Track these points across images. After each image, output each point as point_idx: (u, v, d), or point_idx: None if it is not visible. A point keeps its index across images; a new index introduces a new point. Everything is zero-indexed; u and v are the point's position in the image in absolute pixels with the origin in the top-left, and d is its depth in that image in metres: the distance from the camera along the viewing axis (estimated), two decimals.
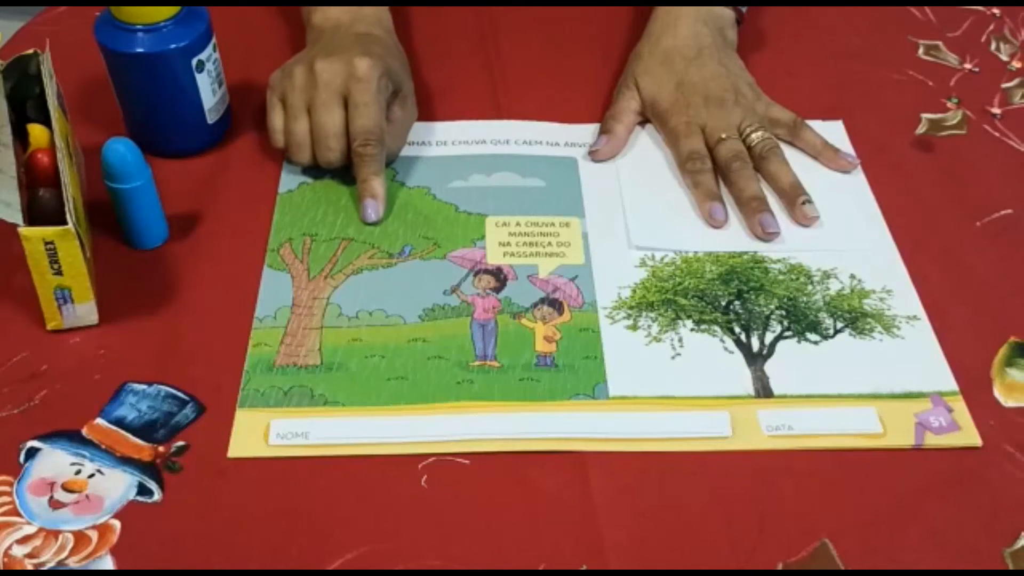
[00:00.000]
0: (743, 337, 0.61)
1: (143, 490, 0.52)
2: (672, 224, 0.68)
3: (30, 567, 0.48)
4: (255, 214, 0.67)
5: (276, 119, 0.67)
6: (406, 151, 0.72)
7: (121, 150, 0.60)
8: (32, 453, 0.53)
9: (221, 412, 0.55)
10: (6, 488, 0.51)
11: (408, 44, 0.81)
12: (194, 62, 0.66)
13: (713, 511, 0.52)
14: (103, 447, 0.53)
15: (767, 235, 0.66)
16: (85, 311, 0.58)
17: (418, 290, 0.62)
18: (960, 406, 0.57)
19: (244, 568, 0.49)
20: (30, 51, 0.64)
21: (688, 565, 0.50)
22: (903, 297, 0.63)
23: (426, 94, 0.77)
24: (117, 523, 0.50)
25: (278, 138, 0.68)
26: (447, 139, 0.73)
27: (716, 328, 0.61)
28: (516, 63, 0.81)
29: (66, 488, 0.51)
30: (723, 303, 0.63)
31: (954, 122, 0.77)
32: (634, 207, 0.69)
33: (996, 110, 0.79)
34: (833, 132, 0.75)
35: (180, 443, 0.54)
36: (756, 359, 0.59)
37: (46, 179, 0.59)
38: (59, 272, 0.55)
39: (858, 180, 0.72)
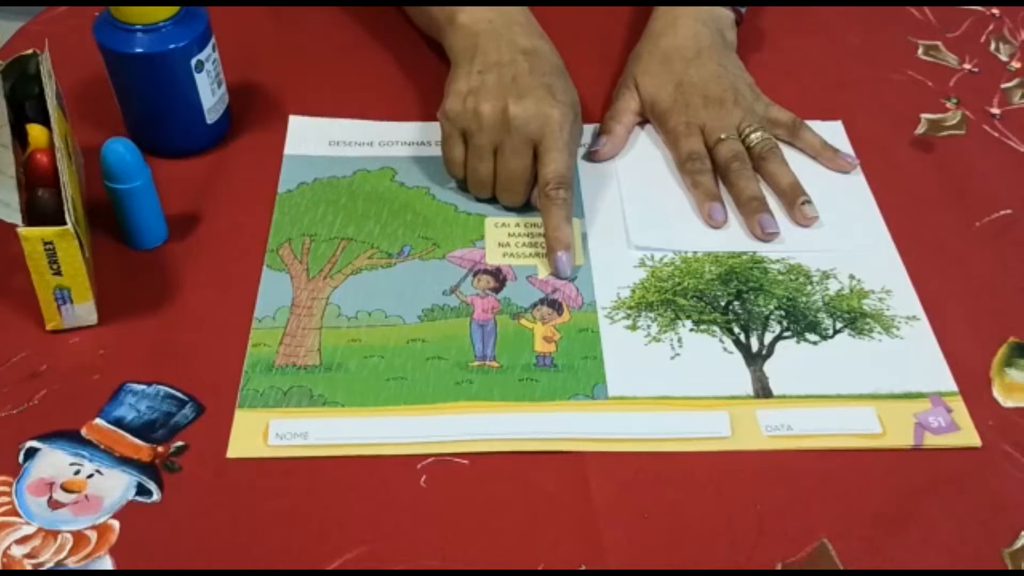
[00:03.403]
0: (742, 337, 0.61)
1: (142, 490, 0.52)
2: (671, 224, 0.68)
3: (29, 567, 0.48)
4: (254, 214, 0.67)
5: (457, 152, 0.67)
6: (405, 151, 0.72)
7: (120, 150, 0.60)
8: (31, 453, 0.53)
9: (220, 412, 0.55)
10: (5, 488, 0.51)
11: (409, 44, 0.81)
12: (193, 62, 0.66)
13: (712, 511, 0.52)
14: (102, 447, 0.53)
15: (766, 235, 0.66)
16: (84, 311, 0.58)
17: (417, 290, 0.62)
18: (959, 406, 0.57)
19: (243, 568, 0.49)
20: (29, 51, 0.64)
21: (687, 565, 0.50)
22: (902, 297, 0.63)
23: (425, 94, 0.77)
24: (116, 523, 0.50)
25: (456, 171, 0.68)
26: None
27: (715, 328, 0.61)
28: None
29: (65, 488, 0.51)
30: (722, 303, 0.63)
31: (953, 122, 0.77)
32: (633, 207, 0.69)
33: (995, 110, 0.79)
34: (832, 132, 0.75)
35: (179, 443, 0.54)
36: (755, 359, 0.59)
37: (45, 179, 0.59)
38: (58, 272, 0.55)
39: (857, 180, 0.72)
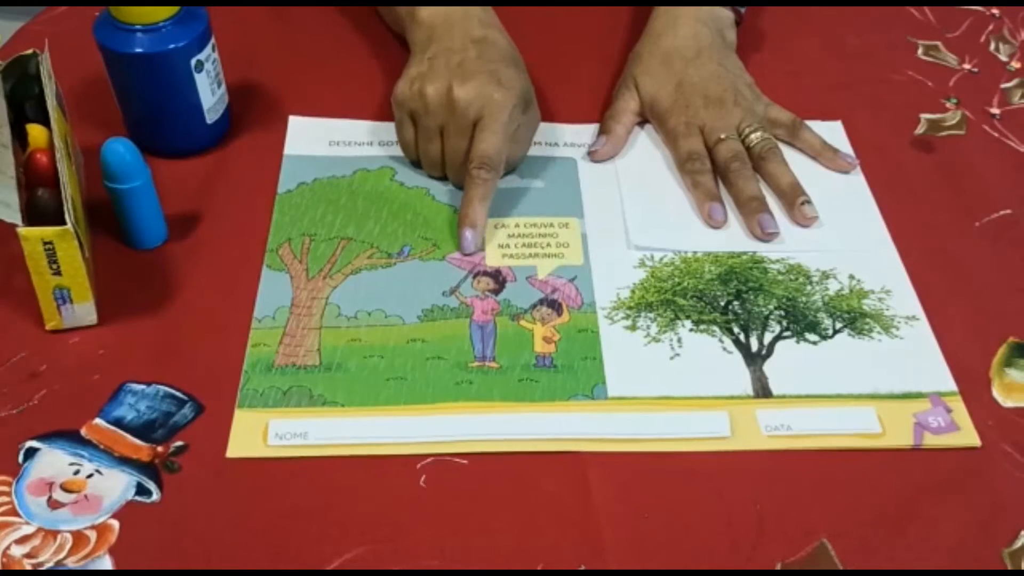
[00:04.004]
0: (742, 337, 0.61)
1: (142, 490, 0.52)
2: (671, 224, 0.68)
3: (28, 567, 0.48)
4: (254, 214, 0.67)
5: (408, 134, 0.69)
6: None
7: (120, 150, 0.60)
8: (31, 453, 0.53)
9: (220, 412, 0.55)
10: (5, 488, 0.51)
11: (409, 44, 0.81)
12: (193, 62, 0.66)
13: (712, 511, 0.52)
14: (102, 447, 0.53)
15: (766, 235, 0.66)
16: (84, 311, 0.58)
17: (417, 291, 0.62)
18: (959, 406, 0.57)
19: (243, 568, 0.49)
20: (29, 51, 0.64)
21: (687, 565, 0.50)
22: (902, 297, 0.63)
23: None
24: (116, 523, 0.50)
25: (409, 153, 0.70)
26: None
27: (715, 328, 0.61)
28: None
29: (65, 488, 0.51)
30: (722, 303, 0.63)
31: (953, 122, 0.77)
32: (633, 207, 0.69)
33: (995, 110, 0.79)
34: (832, 132, 0.75)
35: (179, 443, 0.54)
36: (755, 359, 0.59)
37: (45, 179, 0.59)
38: (58, 272, 0.55)
39: (857, 180, 0.72)
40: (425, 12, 0.71)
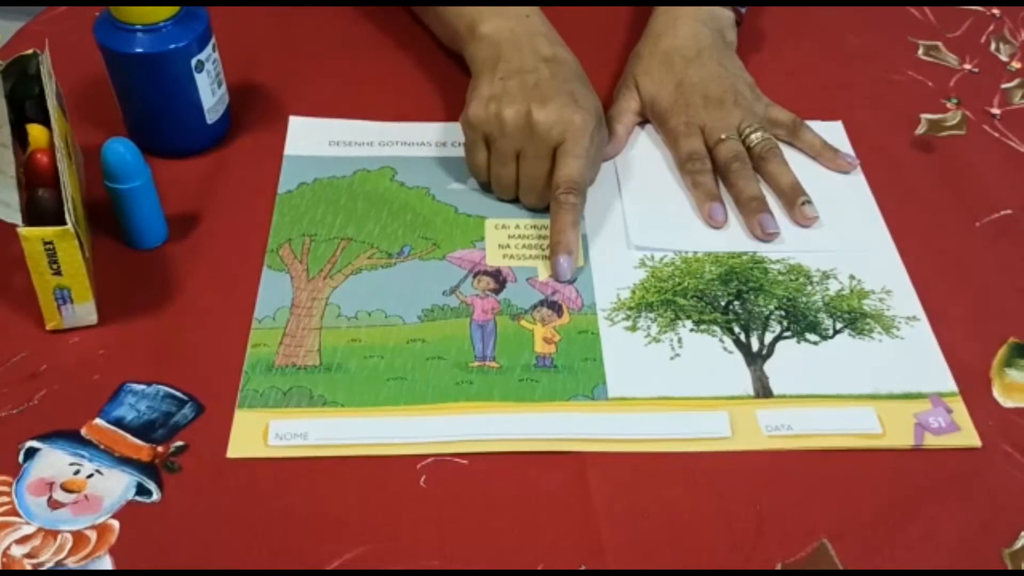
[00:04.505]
0: (742, 337, 0.61)
1: (142, 490, 0.52)
2: (671, 224, 0.68)
3: (29, 567, 0.48)
4: (254, 214, 0.67)
5: (480, 157, 0.67)
6: (405, 151, 0.72)
7: (120, 150, 0.60)
8: (31, 453, 0.53)
9: (220, 412, 0.55)
10: (5, 488, 0.51)
11: (409, 44, 0.81)
12: (193, 62, 0.66)
13: (712, 511, 0.52)
14: (102, 447, 0.53)
15: (766, 235, 0.66)
16: (84, 311, 0.58)
17: (417, 291, 0.62)
18: (959, 407, 0.57)
19: (243, 568, 0.49)
20: (29, 51, 0.64)
21: (687, 565, 0.50)
22: (902, 297, 0.63)
23: (426, 94, 0.77)
24: (116, 523, 0.50)
25: (481, 175, 0.68)
26: (447, 140, 0.73)
27: (715, 328, 0.61)
28: None
29: (65, 488, 0.51)
30: (722, 303, 0.63)
31: (954, 123, 0.77)
32: (633, 208, 0.69)
33: (996, 110, 0.79)
34: (832, 132, 0.75)
35: (179, 443, 0.54)
36: (755, 359, 0.59)
37: (45, 179, 0.59)
38: (58, 272, 0.55)
39: (857, 181, 0.72)
40: (488, 28, 0.70)
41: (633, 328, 0.61)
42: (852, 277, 0.65)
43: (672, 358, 0.59)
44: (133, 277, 0.62)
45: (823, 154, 0.72)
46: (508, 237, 0.66)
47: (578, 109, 0.65)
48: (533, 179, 0.66)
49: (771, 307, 0.62)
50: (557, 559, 0.50)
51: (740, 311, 0.62)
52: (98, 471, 0.52)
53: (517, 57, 0.67)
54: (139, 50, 0.64)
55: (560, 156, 0.65)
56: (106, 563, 0.49)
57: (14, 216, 0.54)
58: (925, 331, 0.61)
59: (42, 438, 0.53)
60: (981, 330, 0.62)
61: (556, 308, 0.62)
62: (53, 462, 0.52)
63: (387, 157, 0.72)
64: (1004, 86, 0.81)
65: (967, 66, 0.83)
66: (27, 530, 0.50)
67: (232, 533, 0.50)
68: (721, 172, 0.70)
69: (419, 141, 0.73)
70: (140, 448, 0.53)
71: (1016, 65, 0.83)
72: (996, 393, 0.58)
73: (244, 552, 0.50)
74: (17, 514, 0.50)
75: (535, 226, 0.67)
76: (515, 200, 0.68)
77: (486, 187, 0.69)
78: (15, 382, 0.56)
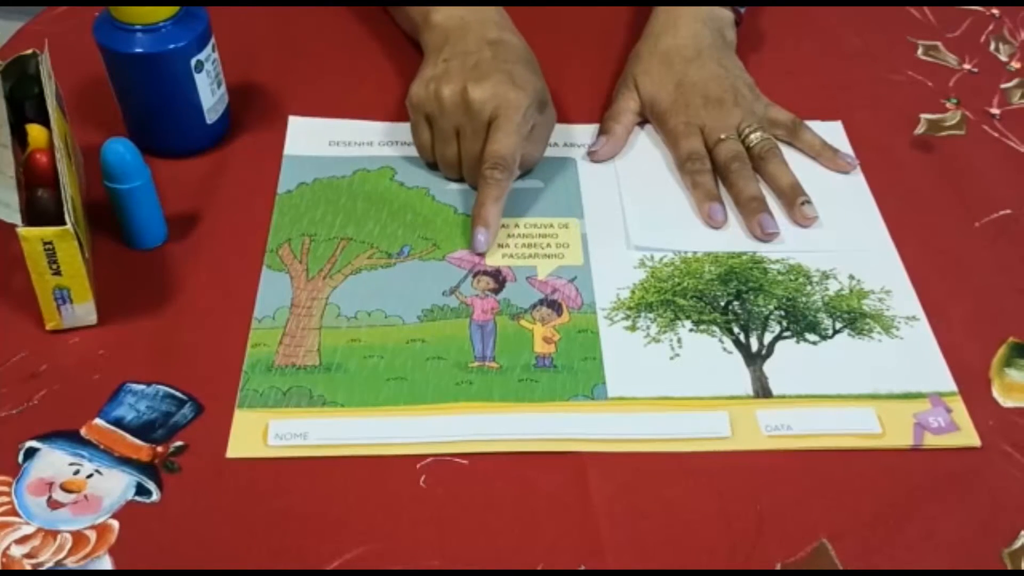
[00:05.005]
0: (742, 337, 0.61)
1: (141, 490, 0.52)
2: (671, 224, 0.68)
3: (28, 567, 0.48)
4: (254, 214, 0.67)
5: (424, 137, 0.69)
6: (405, 151, 0.72)
7: (120, 150, 0.60)
8: (31, 453, 0.53)
9: (220, 412, 0.55)
10: (5, 488, 0.51)
11: (409, 44, 0.81)
12: (193, 62, 0.66)
13: (712, 511, 0.52)
14: (102, 447, 0.53)
15: (766, 235, 0.66)
16: (84, 311, 0.58)
17: (417, 291, 0.62)
18: (959, 406, 0.57)
19: (243, 568, 0.49)
20: (29, 51, 0.64)
21: (687, 565, 0.50)
22: (902, 297, 0.63)
23: None
24: (115, 523, 0.50)
25: (426, 155, 0.70)
26: None
27: (715, 328, 0.61)
28: None
29: (65, 488, 0.51)
30: (722, 303, 0.63)
31: (953, 122, 0.77)
32: (633, 208, 0.69)
33: (995, 110, 0.79)
34: (832, 133, 0.75)
35: (179, 443, 0.54)
36: (755, 359, 0.59)
37: (45, 179, 0.59)
38: (58, 272, 0.55)
39: (857, 181, 0.72)
40: (439, 15, 0.71)
41: (633, 328, 0.61)
42: (852, 277, 0.65)
43: (672, 358, 0.59)
44: (133, 277, 0.62)
45: (823, 154, 0.73)
46: (507, 236, 0.66)
47: (513, 87, 0.65)
48: (472, 156, 0.67)
49: (771, 307, 0.62)
50: (557, 559, 0.50)
51: (740, 311, 0.62)
52: (98, 471, 0.52)
53: (463, 41, 0.69)
54: (139, 50, 0.64)
55: (491, 132, 0.65)
56: (106, 563, 0.49)
57: (14, 216, 0.54)
58: (925, 331, 0.61)
59: (42, 438, 0.53)
60: (981, 330, 0.62)
61: (556, 307, 0.62)
62: (53, 462, 0.52)
63: (387, 157, 0.72)
64: (1003, 86, 0.81)
65: (967, 66, 0.83)
66: (27, 530, 0.50)
67: (232, 533, 0.50)
68: (721, 172, 0.70)
69: None
70: (140, 448, 0.53)
71: (1015, 65, 0.83)
72: (996, 393, 0.58)
73: (244, 552, 0.50)
74: (17, 514, 0.50)
75: (535, 225, 0.67)
76: (462, 179, 0.69)
77: (433, 167, 0.70)
78: (15, 382, 0.56)
